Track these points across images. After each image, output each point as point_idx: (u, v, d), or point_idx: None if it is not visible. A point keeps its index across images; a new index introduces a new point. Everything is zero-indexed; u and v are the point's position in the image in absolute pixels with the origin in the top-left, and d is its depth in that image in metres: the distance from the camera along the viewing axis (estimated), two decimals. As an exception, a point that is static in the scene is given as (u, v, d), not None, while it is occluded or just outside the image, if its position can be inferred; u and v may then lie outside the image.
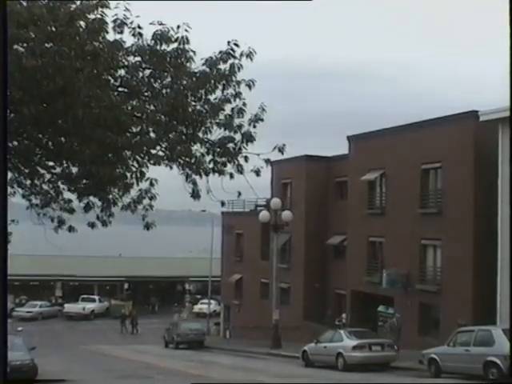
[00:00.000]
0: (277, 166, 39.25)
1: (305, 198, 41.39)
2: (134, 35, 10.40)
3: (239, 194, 12.29)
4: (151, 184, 11.93)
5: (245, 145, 11.51)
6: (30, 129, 11.19)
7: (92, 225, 13.11)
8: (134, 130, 11.03)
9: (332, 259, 40.74)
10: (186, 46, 10.42)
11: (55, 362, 28.18)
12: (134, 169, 11.77)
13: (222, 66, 10.74)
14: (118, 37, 10.25)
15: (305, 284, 41.15)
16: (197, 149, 11.58)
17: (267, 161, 11.74)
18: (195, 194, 11.85)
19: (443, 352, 21.55)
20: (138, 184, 11.85)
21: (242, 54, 10.68)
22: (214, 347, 41.62)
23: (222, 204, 12.56)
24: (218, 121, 11.27)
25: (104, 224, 13.13)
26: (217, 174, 11.77)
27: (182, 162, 11.44)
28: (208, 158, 11.69)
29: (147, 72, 10.80)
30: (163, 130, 11.02)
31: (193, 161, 11.45)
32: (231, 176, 11.76)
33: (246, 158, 11.65)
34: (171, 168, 11.75)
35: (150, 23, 10.19)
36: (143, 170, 11.77)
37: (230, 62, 10.70)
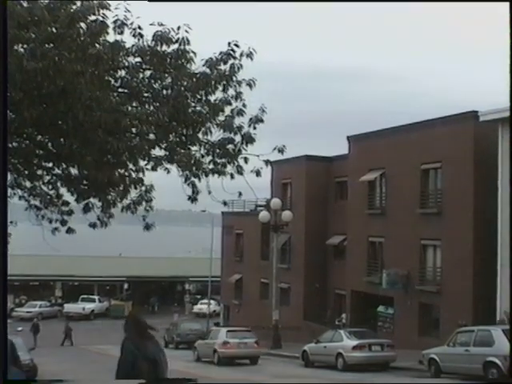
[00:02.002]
0: (277, 166, 39.25)
1: (305, 198, 41.38)
2: (134, 36, 10.39)
3: (240, 194, 12.26)
4: (147, 191, 11.99)
5: (244, 146, 11.50)
6: (30, 130, 11.19)
7: (93, 225, 13.12)
8: (134, 131, 11.03)
9: (332, 259, 40.75)
10: (187, 47, 10.41)
11: (55, 362, 28.17)
12: (132, 174, 11.81)
13: (222, 67, 10.73)
14: (118, 37, 10.24)
15: (305, 284, 41.15)
16: (196, 150, 11.58)
17: (267, 161, 11.74)
18: (193, 197, 11.85)
19: (443, 352, 21.54)
20: (135, 188, 11.89)
21: (242, 54, 10.68)
22: (213, 347, 41.56)
23: (224, 204, 12.54)
24: (217, 122, 11.26)
25: (104, 225, 13.15)
26: (217, 175, 11.77)
27: (181, 163, 11.44)
28: (208, 159, 11.69)
29: (147, 73, 10.79)
30: (163, 131, 11.01)
31: (192, 162, 11.45)
32: (232, 176, 11.76)
33: (245, 159, 11.65)
34: (169, 172, 11.76)
35: (151, 24, 10.18)
36: (140, 175, 11.81)
37: (231, 62, 10.69)
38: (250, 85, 11.03)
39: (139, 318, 8.34)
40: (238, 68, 10.76)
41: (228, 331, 30.29)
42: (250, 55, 10.68)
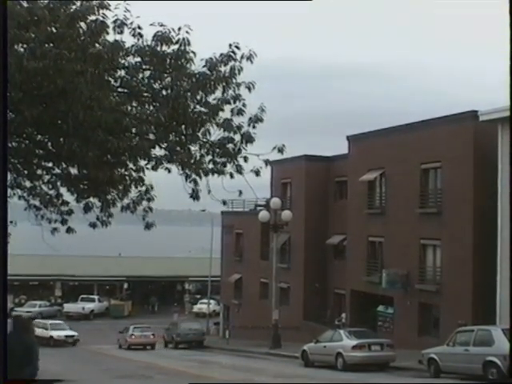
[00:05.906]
0: (276, 165, 39.24)
1: (304, 197, 41.37)
2: (134, 36, 10.39)
3: (240, 193, 12.25)
4: (147, 191, 12.00)
5: (244, 145, 11.50)
6: (30, 130, 11.19)
7: (93, 225, 13.12)
8: (134, 130, 11.03)
9: (332, 259, 40.73)
10: (187, 48, 10.41)
11: (55, 362, 28.15)
12: (133, 173, 11.82)
13: (222, 69, 10.73)
14: (118, 37, 10.24)
15: (304, 284, 41.13)
16: (196, 149, 11.58)
17: (267, 161, 11.74)
18: (195, 195, 11.85)
19: (443, 352, 21.54)
20: (136, 187, 11.90)
21: (242, 57, 10.67)
22: (213, 347, 41.64)
23: (224, 203, 12.54)
24: (217, 121, 11.26)
25: (104, 224, 13.16)
26: (216, 174, 11.78)
27: (181, 162, 11.44)
28: (207, 158, 11.69)
29: (147, 73, 10.79)
30: (163, 131, 11.02)
31: (192, 161, 11.46)
32: (231, 176, 11.76)
33: (245, 159, 11.65)
34: (170, 171, 11.77)
35: (151, 24, 10.18)
36: (141, 175, 11.83)
37: (231, 64, 10.69)
38: (249, 88, 11.04)
39: (25, 318, 11.31)
40: (238, 70, 10.76)
41: (134, 327, 41.81)
42: (250, 58, 10.69)
